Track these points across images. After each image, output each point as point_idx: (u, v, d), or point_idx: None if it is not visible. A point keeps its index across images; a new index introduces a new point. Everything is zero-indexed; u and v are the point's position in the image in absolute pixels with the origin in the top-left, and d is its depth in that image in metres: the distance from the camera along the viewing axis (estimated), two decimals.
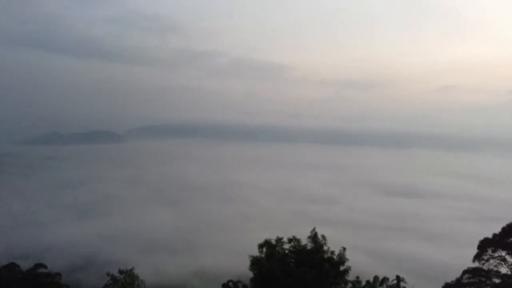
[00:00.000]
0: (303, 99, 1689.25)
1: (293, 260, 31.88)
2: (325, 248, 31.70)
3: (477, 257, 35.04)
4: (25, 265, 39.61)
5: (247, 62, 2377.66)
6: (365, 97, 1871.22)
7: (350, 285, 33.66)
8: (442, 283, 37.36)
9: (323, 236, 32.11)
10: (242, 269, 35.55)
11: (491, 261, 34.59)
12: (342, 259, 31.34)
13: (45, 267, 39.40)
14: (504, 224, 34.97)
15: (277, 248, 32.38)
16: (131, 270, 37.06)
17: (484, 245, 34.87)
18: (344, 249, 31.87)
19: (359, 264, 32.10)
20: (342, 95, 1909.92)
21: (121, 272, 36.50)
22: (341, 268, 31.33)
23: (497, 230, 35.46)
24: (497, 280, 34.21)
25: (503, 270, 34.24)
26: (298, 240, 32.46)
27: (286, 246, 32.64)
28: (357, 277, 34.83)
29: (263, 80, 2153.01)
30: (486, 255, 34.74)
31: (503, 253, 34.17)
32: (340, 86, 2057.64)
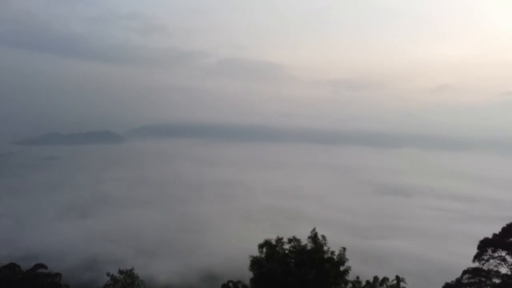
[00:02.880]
0: (296, 98, 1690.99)
1: (293, 260, 31.84)
2: (325, 248, 31.66)
3: (477, 257, 35.04)
4: (25, 265, 39.61)
5: (237, 61, 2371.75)
6: (358, 97, 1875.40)
7: (350, 285, 33.67)
8: (442, 283, 37.39)
9: (323, 236, 32.06)
10: (242, 269, 35.54)
11: (491, 261, 34.58)
12: (342, 259, 31.31)
13: (45, 267, 39.41)
14: (504, 224, 35.00)
15: (277, 248, 32.34)
16: (131, 270, 37.03)
17: (484, 245, 34.86)
18: (344, 249, 31.86)
19: (355, 264, 31.98)
20: (336, 95, 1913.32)
21: (121, 272, 36.47)
22: (341, 268, 31.31)
23: (494, 230, 35.51)
24: (497, 280, 34.20)
25: (503, 270, 34.23)
26: (298, 240, 32.41)
27: (286, 246, 32.60)
28: (357, 277, 34.86)
29: (255, 80, 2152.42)
30: (486, 255, 34.73)
31: (503, 253, 34.16)
32: (333, 86, 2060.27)
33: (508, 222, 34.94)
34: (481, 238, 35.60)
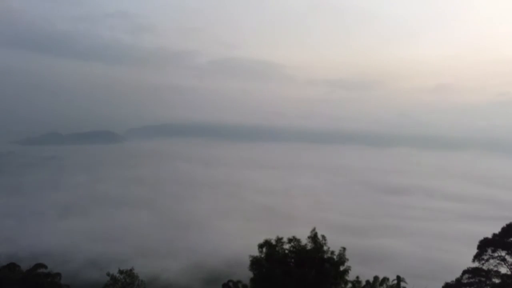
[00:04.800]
0: (291, 98, 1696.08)
1: (293, 260, 31.83)
2: (325, 248, 31.65)
3: (477, 257, 35.07)
4: (25, 265, 39.65)
5: (230, 61, 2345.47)
6: (354, 97, 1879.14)
7: (350, 285, 33.67)
8: (442, 283, 37.41)
9: (323, 236, 32.06)
10: (242, 269, 35.55)
11: (491, 261, 34.62)
12: (342, 259, 31.28)
13: (45, 267, 39.47)
14: (503, 224, 35.03)
15: (277, 248, 32.32)
16: (131, 270, 37.08)
17: (484, 245, 34.89)
18: (344, 249, 31.82)
19: (352, 264, 31.98)
20: (331, 95, 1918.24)
21: (121, 272, 36.52)
22: (341, 268, 31.29)
23: (491, 229, 35.54)
24: (497, 280, 34.23)
25: (503, 270, 34.27)
26: (298, 240, 32.38)
27: (286, 246, 32.57)
28: (357, 277, 34.87)
29: (249, 79, 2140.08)
30: (486, 255, 34.76)
31: (503, 253, 34.19)
32: (329, 86, 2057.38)
33: (507, 222, 34.99)
34: (478, 237, 35.67)
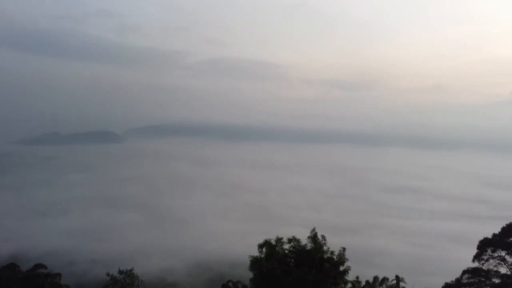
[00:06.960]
0: (285, 98, 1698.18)
1: (293, 260, 31.83)
2: (325, 248, 31.65)
3: (476, 257, 35.09)
4: (25, 265, 39.66)
5: (220, 60, 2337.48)
6: (350, 96, 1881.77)
7: (350, 285, 33.65)
8: (442, 283, 37.43)
9: (323, 236, 32.06)
10: (242, 269, 35.55)
11: (491, 261, 34.64)
12: (342, 259, 31.27)
13: (45, 267, 39.48)
14: (502, 224, 35.06)
15: (277, 248, 32.31)
16: (131, 270, 37.14)
17: (484, 245, 34.91)
18: (344, 249, 31.82)
19: (355, 265, 32.02)
20: (327, 95, 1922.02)
21: (121, 272, 36.58)
22: (341, 268, 31.28)
23: (487, 229, 35.58)
24: (496, 280, 34.25)
25: (503, 270, 34.30)
26: (298, 240, 32.37)
27: (286, 246, 32.56)
28: (357, 277, 34.87)
29: (244, 78, 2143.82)
30: (485, 255, 34.78)
31: (503, 253, 34.22)
32: (324, 85, 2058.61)
33: (506, 222, 35.02)
34: (475, 237, 35.72)
